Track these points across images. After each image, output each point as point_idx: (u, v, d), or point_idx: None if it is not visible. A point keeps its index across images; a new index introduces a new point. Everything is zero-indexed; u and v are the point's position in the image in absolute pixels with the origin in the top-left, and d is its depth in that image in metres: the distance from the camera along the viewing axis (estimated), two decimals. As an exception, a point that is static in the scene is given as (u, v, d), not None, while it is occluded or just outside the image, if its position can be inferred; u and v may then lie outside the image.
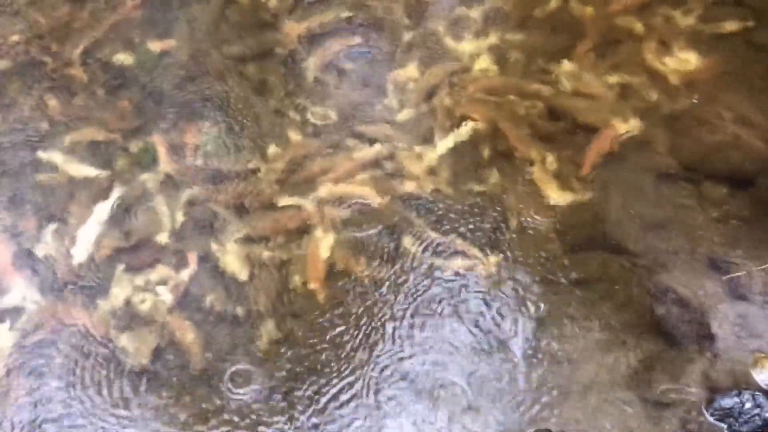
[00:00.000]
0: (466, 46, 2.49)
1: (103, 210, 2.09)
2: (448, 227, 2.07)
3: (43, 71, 2.42)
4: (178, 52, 2.50)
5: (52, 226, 2.06)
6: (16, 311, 1.91)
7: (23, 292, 1.93)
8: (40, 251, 2.02)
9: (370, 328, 1.92)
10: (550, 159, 2.18)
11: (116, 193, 2.13)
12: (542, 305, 1.91)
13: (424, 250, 2.05)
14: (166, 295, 1.96)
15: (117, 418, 1.77)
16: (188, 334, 1.90)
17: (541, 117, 2.27)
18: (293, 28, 2.57)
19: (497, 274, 1.98)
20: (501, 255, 2.01)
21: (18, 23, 2.54)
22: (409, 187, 2.18)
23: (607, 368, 1.82)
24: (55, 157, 2.20)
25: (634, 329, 1.88)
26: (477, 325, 1.89)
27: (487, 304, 1.92)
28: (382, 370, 1.85)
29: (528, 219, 2.07)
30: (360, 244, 2.08)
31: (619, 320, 1.90)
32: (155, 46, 2.51)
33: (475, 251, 2.01)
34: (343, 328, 1.93)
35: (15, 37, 2.50)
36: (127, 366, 1.85)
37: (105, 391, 1.81)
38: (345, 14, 2.62)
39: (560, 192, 2.12)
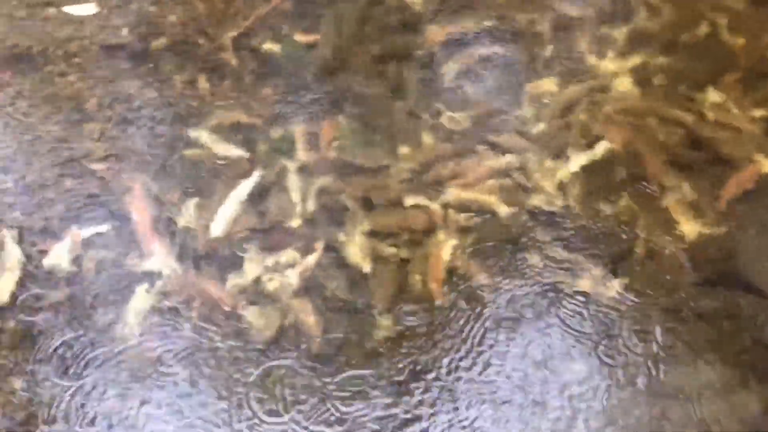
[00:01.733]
0: (609, 64, 2.46)
1: (242, 190, 2.20)
2: (574, 245, 2.06)
3: (196, 52, 2.56)
4: (322, 47, 2.59)
5: (195, 200, 2.17)
6: (154, 275, 2.03)
7: (162, 258, 2.05)
8: (181, 222, 2.14)
9: (482, 335, 1.94)
10: (687, 188, 2.14)
11: (255, 175, 2.24)
12: (665, 336, 1.88)
13: (547, 265, 2.05)
14: (293, 278, 2.03)
15: (238, 384, 1.86)
16: (310, 318, 1.97)
17: (680, 145, 2.23)
18: (435, 33, 2.62)
19: (621, 298, 1.96)
20: (627, 279, 1.98)
21: (178, 4, 2.69)
22: (537, 200, 2.19)
23: (727, 409, 1.77)
24: (202, 135, 2.33)
25: (760, 373, 1.82)
26: (595, 348, 1.88)
27: (607, 328, 1.91)
28: (490, 381, 1.87)
29: (657, 246, 2.04)
30: (482, 252, 2.10)
31: (744, 361, 1.84)
32: (302, 38, 2.61)
33: (600, 273, 2.00)
34: (456, 330, 1.95)
35: (173, 17, 2.65)
36: (251, 339, 1.94)
37: (226, 361, 1.90)
38: (487, 23, 2.65)
39: (694, 223, 2.08)
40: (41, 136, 2.30)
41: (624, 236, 2.07)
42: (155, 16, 2.64)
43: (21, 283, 1.98)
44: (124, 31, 2.59)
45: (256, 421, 1.81)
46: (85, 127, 2.32)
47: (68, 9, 2.53)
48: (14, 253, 2.02)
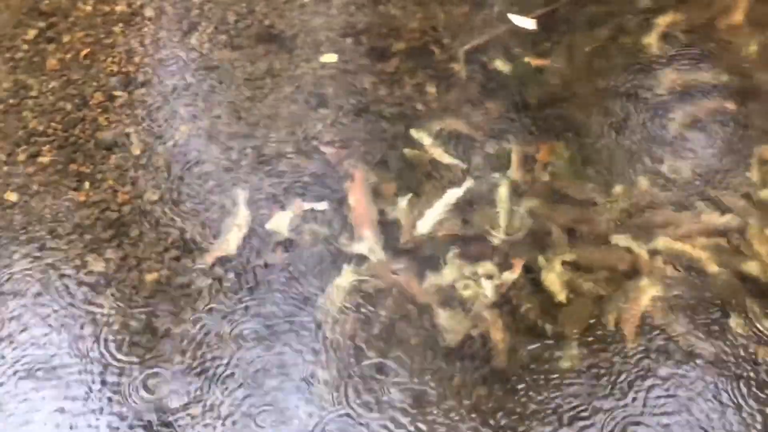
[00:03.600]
0: None
1: (452, 196, 2.28)
2: (787, 322, 1.97)
3: (430, 59, 2.68)
4: (551, 73, 2.63)
5: (407, 196, 2.28)
6: (360, 258, 2.15)
7: (370, 244, 2.17)
8: (391, 214, 2.25)
9: (671, 389, 1.90)
10: None
11: (467, 184, 2.31)
12: None
13: (751, 336, 1.97)
14: (489, 291, 2.08)
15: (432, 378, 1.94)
16: (499, 333, 2.01)
17: None
18: (670, 78, 2.58)
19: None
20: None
21: (420, 12, 2.83)
22: (751, 267, 2.10)
23: None
24: (423, 137, 2.43)
25: None
26: None
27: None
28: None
29: None
30: (683, 307, 2.05)
31: None
32: (533, 61, 2.66)
33: (813, 356, 1.89)
34: (651, 382, 1.92)
35: (414, 24, 2.79)
36: (438, 340, 2.01)
37: (416, 354, 1.98)
38: (725, 77, 2.57)
39: None
40: (281, 113, 2.51)
41: None
42: (398, 19, 2.80)
43: (246, 240, 2.17)
44: (367, 29, 2.77)
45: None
46: (321, 111, 2.51)
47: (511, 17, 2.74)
48: (244, 213, 2.22)
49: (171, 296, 2.06)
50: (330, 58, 2.56)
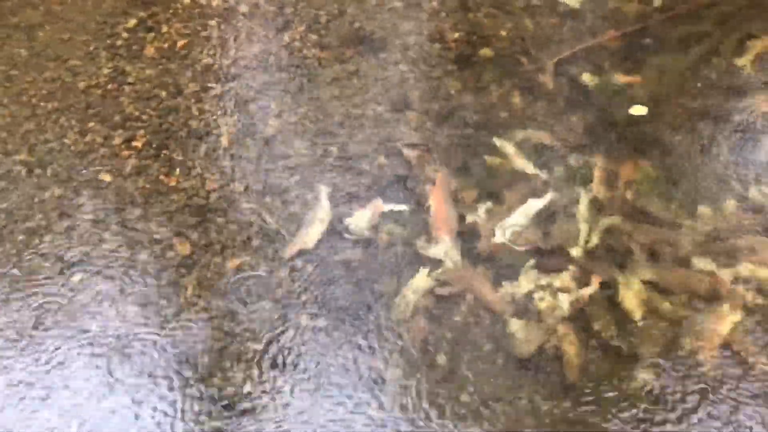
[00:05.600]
0: None
1: (533, 206, 2.27)
2: None
3: (517, 69, 2.68)
4: (640, 90, 2.60)
5: (487, 204, 2.29)
6: (437, 262, 2.16)
7: (447, 249, 2.19)
8: (470, 220, 2.26)
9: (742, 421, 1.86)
10: None
11: (548, 196, 2.30)
12: None
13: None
14: (564, 304, 2.07)
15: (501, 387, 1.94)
16: (572, 347, 2.00)
17: None
18: (762, 101, 2.52)
19: None
20: None
21: (510, 21, 2.84)
22: (836, 301, 2.04)
23: None
24: (506, 146, 2.44)
25: None
26: None
27: None
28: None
29: None
30: (763, 334, 2.00)
31: None
32: (620, 78, 2.64)
33: None
34: (716, 409, 1.88)
35: (503, 33, 2.80)
36: (511, 350, 2.01)
37: (487, 362, 1.99)
38: (821, 104, 2.50)
39: None
40: (367, 114, 2.55)
41: None
42: (487, 28, 2.81)
43: (326, 235, 2.22)
44: (456, 35, 2.79)
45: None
46: (406, 114, 2.54)
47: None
48: (325, 208, 2.27)
49: (251, 283, 2.11)
50: (640, 110, 2.55)
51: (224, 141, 2.45)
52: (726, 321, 2.03)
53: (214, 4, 2.91)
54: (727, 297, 2.07)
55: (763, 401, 1.89)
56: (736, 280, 2.10)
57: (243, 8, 2.90)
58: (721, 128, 2.48)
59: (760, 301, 2.07)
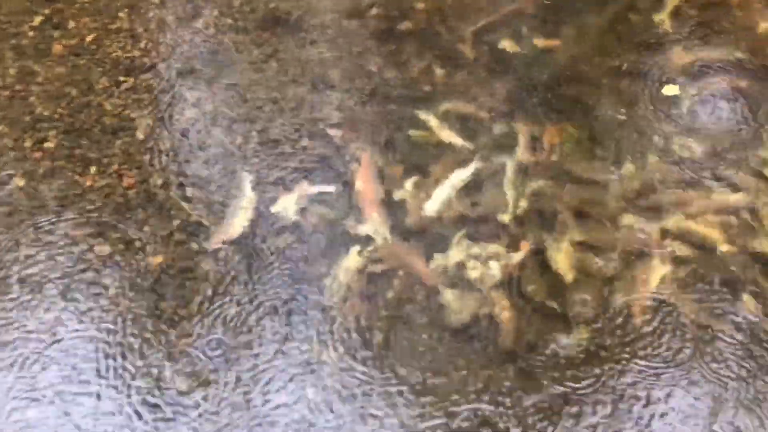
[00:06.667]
0: None
1: (460, 177, 2.26)
2: (799, 299, 1.94)
3: (436, 41, 2.66)
4: (559, 53, 2.60)
5: (414, 178, 2.26)
6: (367, 240, 2.14)
7: (377, 226, 2.16)
8: (397, 195, 2.23)
9: (683, 371, 1.88)
10: None
11: (474, 165, 2.29)
12: None
13: (766, 314, 1.95)
14: (495, 271, 2.07)
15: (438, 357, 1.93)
16: (506, 313, 2.00)
17: None
18: (679, 56, 2.54)
19: None
20: None
21: (427, -8, 2.81)
22: (763, 245, 2.07)
23: None
24: (430, 119, 2.41)
25: None
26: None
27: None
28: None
29: None
30: (693, 287, 2.03)
31: None
32: (540, 42, 2.63)
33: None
34: (652, 362, 1.90)
35: (421, 5, 2.76)
36: (446, 320, 1.99)
37: (422, 334, 1.97)
38: (739, 55, 2.53)
39: None
40: (287, 96, 2.49)
41: None
42: (405, 1, 2.77)
43: (251, 223, 2.16)
44: (374, 10, 2.75)
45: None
46: (328, 93, 2.49)
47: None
48: (249, 196, 2.21)
49: (176, 280, 2.05)
50: (672, 90, 2.48)
51: (140, 135, 2.37)
52: (656, 275, 2.04)
53: (122, -5, 2.82)
54: (655, 252, 2.09)
55: (695, 353, 1.91)
56: (664, 233, 2.12)
57: (152, -3, 2.81)
58: (640, 84, 2.49)
59: (688, 252, 2.09)
